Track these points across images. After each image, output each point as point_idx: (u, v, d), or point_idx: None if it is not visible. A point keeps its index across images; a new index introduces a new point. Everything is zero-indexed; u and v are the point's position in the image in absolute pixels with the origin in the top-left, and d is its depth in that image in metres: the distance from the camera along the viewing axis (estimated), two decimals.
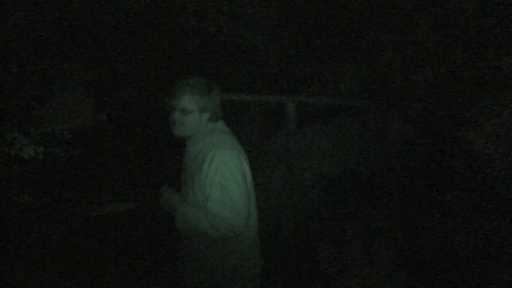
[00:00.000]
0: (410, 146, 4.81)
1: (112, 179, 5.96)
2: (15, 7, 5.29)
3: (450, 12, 4.77)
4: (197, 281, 2.39)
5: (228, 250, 2.33)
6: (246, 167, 2.37)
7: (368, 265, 4.16)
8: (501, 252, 3.84)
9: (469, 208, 4.15)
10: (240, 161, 2.31)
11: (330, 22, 5.48)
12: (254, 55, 5.70)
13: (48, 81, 5.89)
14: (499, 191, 4.10)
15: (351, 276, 4.03)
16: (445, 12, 4.81)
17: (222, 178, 2.22)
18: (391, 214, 4.65)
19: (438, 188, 4.44)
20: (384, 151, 5.01)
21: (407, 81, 5.00)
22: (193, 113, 2.33)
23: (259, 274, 2.47)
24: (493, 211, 4.05)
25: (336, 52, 5.53)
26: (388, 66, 5.18)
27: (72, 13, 5.55)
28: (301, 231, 4.43)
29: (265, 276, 2.52)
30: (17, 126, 5.69)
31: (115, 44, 5.81)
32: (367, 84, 5.30)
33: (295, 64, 5.67)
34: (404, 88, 5.01)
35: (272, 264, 4.39)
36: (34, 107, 5.82)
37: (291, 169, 4.42)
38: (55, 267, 4.65)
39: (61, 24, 5.59)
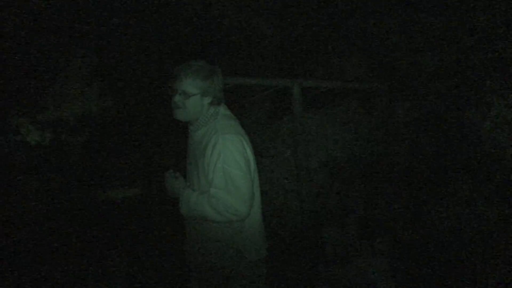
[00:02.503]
0: (416, 130, 4.78)
1: (118, 165, 5.98)
2: None
3: None
4: (202, 265, 2.41)
5: (232, 234, 2.34)
6: (249, 152, 2.36)
7: (370, 251, 4.17)
8: (509, 238, 3.83)
9: (476, 194, 4.13)
10: (243, 146, 2.30)
11: (335, 5, 5.43)
12: (259, 39, 5.67)
13: (53, 66, 5.89)
14: (506, 176, 4.08)
15: (355, 260, 4.03)
16: None
17: (225, 163, 2.22)
18: (395, 200, 4.64)
19: (444, 173, 4.42)
20: (390, 135, 4.99)
21: (413, 65, 4.96)
22: (194, 97, 2.32)
23: (264, 258, 2.47)
24: (501, 196, 4.03)
25: (341, 36, 5.48)
26: (394, 50, 5.13)
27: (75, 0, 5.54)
28: (306, 215, 4.43)
29: (270, 260, 2.53)
30: (22, 112, 5.70)
31: (120, 29, 5.79)
32: (373, 68, 5.26)
33: (301, 48, 5.63)
34: (410, 72, 4.97)
35: (278, 248, 4.40)
36: (40, 93, 5.82)
37: (297, 153, 4.41)
38: (62, 251, 4.68)
39: (67, 9, 5.57)
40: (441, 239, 4.12)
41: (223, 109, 2.44)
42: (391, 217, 4.57)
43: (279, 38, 5.64)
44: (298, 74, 5.33)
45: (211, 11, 5.52)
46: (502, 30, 4.32)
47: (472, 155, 4.27)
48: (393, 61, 5.07)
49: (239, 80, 4.36)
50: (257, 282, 2.43)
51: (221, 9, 5.50)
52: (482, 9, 4.46)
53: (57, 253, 4.65)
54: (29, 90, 5.68)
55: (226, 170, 2.21)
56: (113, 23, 5.73)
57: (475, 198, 4.09)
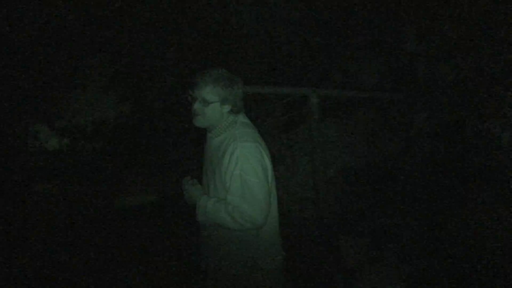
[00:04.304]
0: (435, 139, 4.75)
1: (134, 172, 6.00)
2: (37, 3, 5.35)
3: (474, 2, 4.68)
4: (217, 272, 2.40)
5: (248, 242, 2.33)
6: (267, 160, 2.35)
7: (386, 260, 4.13)
8: None
9: (494, 201, 4.09)
10: (261, 154, 2.30)
11: (352, 14, 5.43)
12: (276, 48, 5.68)
13: (71, 75, 5.95)
14: None
15: (371, 268, 4.00)
16: (469, 3, 4.72)
17: (242, 171, 2.21)
18: (413, 208, 4.61)
19: (463, 181, 4.38)
20: (408, 144, 4.96)
21: (431, 73, 4.93)
22: (213, 104, 2.33)
23: (281, 266, 2.46)
24: None
25: (359, 45, 5.47)
26: (412, 59, 5.11)
27: (95, 7, 5.59)
28: (323, 223, 4.41)
29: (287, 268, 2.51)
30: (42, 119, 5.77)
31: (138, 37, 5.84)
32: (390, 77, 5.24)
33: (318, 57, 5.63)
34: (428, 80, 4.94)
35: (295, 256, 4.38)
36: (59, 100, 5.88)
37: (314, 162, 4.40)
38: (78, 256, 4.70)
39: (85, 18, 5.63)
40: (461, 246, 4.07)
41: (241, 117, 2.44)
42: (409, 226, 4.53)
43: (297, 46, 5.64)
44: (315, 82, 5.33)
45: (230, 20, 5.55)
46: None
47: (491, 163, 4.23)
48: (411, 70, 5.05)
49: (258, 89, 4.36)
50: None
51: (240, 18, 5.52)
52: (502, 19, 4.43)
53: (73, 258, 4.67)
54: (48, 98, 5.75)
55: (243, 178, 2.21)
56: (131, 31, 5.78)
57: (495, 206, 4.05)
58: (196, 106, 2.35)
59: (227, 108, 2.37)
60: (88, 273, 4.45)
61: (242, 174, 2.21)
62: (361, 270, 4.08)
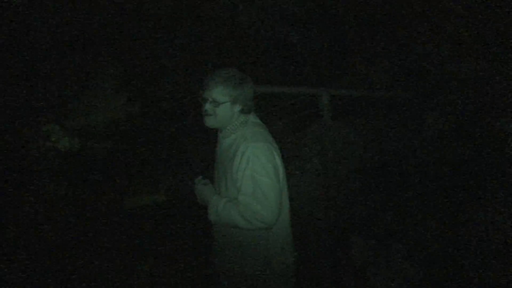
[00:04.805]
0: (447, 138, 4.72)
1: (145, 171, 6.02)
2: (51, 2, 5.38)
3: (486, 1, 4.65)
4: (229, 272, 2.41)
5: (260, 242, 2.34)
6: (278, 160, 2.36)
7: (398, 260, 4.12)
8: None
9: (508, 201, 4.06)
10: (272, 154, 2.30)
11: (362, 12, 5.41)
12: (286, 47, 5.67)
13: (82, 75, 5.97)
14: None
15: (385, 268, 4.00)
16: (481, 2, 4.69)
17: (254, 171, 2.22)
18: (426, 208, 4.59)
19: (476, 181, 4.36)
20: (420, 144, 4.94)
21: (442, 73, 4.90)
22: (224, 104, 2.33)
23: (292, 266, 2.46)
24: None
25: (369, 44, 5.46)
26: (422, 58, 5.09)
27: (105, 7, 5.61)
28: (334, 224, 4.41)
29: (298, 268, 2.52)
30: (53, 119, 5.79)
31: (148, 37, 5.85)
32: (401, 76, 5.22)
33: (328, 56, 5.62)
34: (439, 80, 4.92)
35: (305, 256, 4.38)
36: (70, 100, 5.91)
37: (325, 161, 4.39)
38: (88, 257, 4.72)
39: (95, 18, 5.66)
40: (472, 247, 4.05)
41: (252, 117, 2.45)
42: (419, 226, 4.51)
43: (306, 46, 5.63)
44: (325, 81, 5.32)
45: (239, 20, 5.55)
46: None
47: (504, 162, 4.20)
48: (422, 69, 5.03)
49: (269, 89, 4.36)
50: None
51: (249, 18, 5.52)
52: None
53: (83, 259, 4.69)
54: (60, 98, 5.77)
55: (254, 178, 2.21)
56: (141, 31, 5.80)
57: (509, 205, 4.02)
58: (207, 106, 2.35)
59: (238, 108, 2.37)
60: (98, 273, 4.46)
61: (253, 174, 2.22)
62: (370, 270, 4.08)
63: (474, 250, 4.01)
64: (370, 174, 5.00)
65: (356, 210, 4.84)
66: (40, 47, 5.46)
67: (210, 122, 2.38)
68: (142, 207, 5.70)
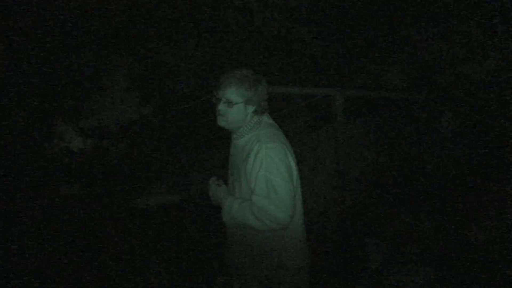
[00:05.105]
0: (459, 139, 4.69)
1: (158, 172, 6.04)
2: (62, 3, 5.41)
3: (498, 2, 4.61)
4: (243, 272, 2.41)
5: (274, 242, 2.33)
6: (292, 160, 2.35)
7: (410, 261, 4.09)
8: None
9: None
10: (285, 155, 2.29)
11: (375, 14, 5.39)
12: (300, 48, 5.66)
13: (95, 75, 6.00)
14: None
15: (399, 271, 3.97)
16: (493, 3, 4.65)
17: (267, 172, 2.21)
18: (439, 209, 4.56)
19: (488, 182, 4.32)
20: (433, 144, 4.91)
21: (455, 73, 4.87)
22: (238, 105, 2.32)
23: (306, 268, 2.45)
24: None
25: (382, 45, 5.43)
26: (435, 59, 5.05)
27: (117, 8, 5.64)
28: (347, 225, 4.39)
29: (312, 270, 2.50)
30: (67, 119, 5.83)
31: (161, 38, 5.87)
32: (414, 77, 5.19)
33: (341, 57, 5.60)
34: (452, 80, 4.88)
35: (318, 257, 4.36)
36: (83, 101, 5.94)
37: (339, 162, 4.38)
38: (102, 257, 4.74)
39: (108, 19, 5.68)
40: (486, 249, 4.02)
41: (266, 118, 2.44)
42: (433, 228, 4.48)
43: (320, 46, 5.62)
44: (338, 82, 5.30)
45: (253, 20, 5.55)
46: None
47: None
48: (435, 70, 4.99)
49: (283, 89, 4.35)
50: None
51: (263, 18, 5.52)
52: None
53: (96, 259, 4.71)
54: (73, 98, 5.81)
55: (268, 178, 2.20)
56: (154, 32, 5.81)
57: None
58: (221, 107, 2.35)
59: (251, 108, 2.37)
60: (110, 272, 4.48)
61: (267, 175, 2.21)
62: (385, 272, 4.05)
63: (488, 251, 3.97)
64: (384, 175, 4.98)
65: (370, 211, 4.81)
66: (53, 48, 5.49)
67: (223, 123, 2.38)
68: (156, 207, 5.71)
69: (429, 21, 5.08)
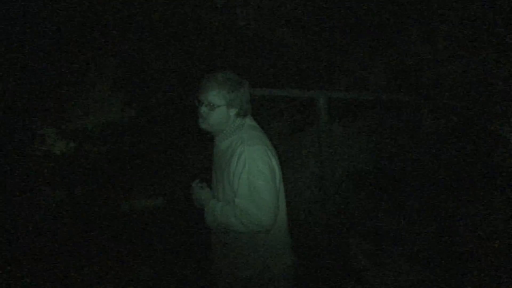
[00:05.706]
0: (443, 140, 4.72)
1: (141, 175, 6.01)
2: (44, 5, 5.37)
3: (480, 3, 4.66)
4: (227, 276, 2.40)
5: (257, 245, 2.33)
6: (275, 163, 2.34)
7: (393, 262, 4.12)
8: None
9: (503, 204, 4.06)
10: (268, 157, 2.29)
11: (358, 15, 5.41)
12: (282, 49, 5.66)
13: (78, 78, 5.96)
14: None
15: (383, 270, 3.99)
16: (476, 3, 4.69)
17: (250, 174, 2.20)
18: (422, 211, 4.58)
19: (471, 183, 4.35)
20: (416, 145, 4.94)
21: (437, 74, 4.90)
22: (220, 108, 2.32)
23: (291, 269, 2.45)
24: None
25: (364, 46, 5.45)
26: (417, 59, 5.09)
27: (101, 10, 5.60)
28: (332, 226, 4.40)
29: (296, 271, 2.50)
30: (48, 122, 5.78)
31: (144, 40, 5.84)
32: (397, 78, 5.22)
33: (324, 58, 5.61)
34: (434, 81, 4.92)
35: (303, 259, 4.37)
36: (65, 103, 5.90)
37: (322, 164, 4.38)
38: (85, 261, 4.71)
39: (91, 21, 5.65)
40: (469, 250, 4.05)
41: (249, 120, 2.44)
42: (416, 229, 4.51)
43: (303, 48, 5.63)
44: (321, 84, 5.31)
45: (236, 22, 5.54)
46: None
47: (500, 165, 4.20)
48: (418, 72, 5.03)
49: (266, 91, 4.34)
50: None
51: (245, 20, 5.51)
52: (507, 17, 4.41)
53: (80, 263, 4.67)
54: (55, 101, 5.76)
55: (251, 181, 2.20)
56: (137, 34, 5.78)
57: (504, 208, 4.02)
58: (203, 110, 2.34)
59: (233, 111, 2.36)
60: (94, 277, 4.45)
61: (249, 177, 2.20)
62: (369, 273, 4.07)
63: (472, 251, 4.01)
64: (367, 176, 5.00)
65: (354, 212, 4.83)
66: (34, 50, 5.44)
67: (205, 126, 2.37)
68: (139, 210, 5.68)
69: (412, 22, 5.11)
